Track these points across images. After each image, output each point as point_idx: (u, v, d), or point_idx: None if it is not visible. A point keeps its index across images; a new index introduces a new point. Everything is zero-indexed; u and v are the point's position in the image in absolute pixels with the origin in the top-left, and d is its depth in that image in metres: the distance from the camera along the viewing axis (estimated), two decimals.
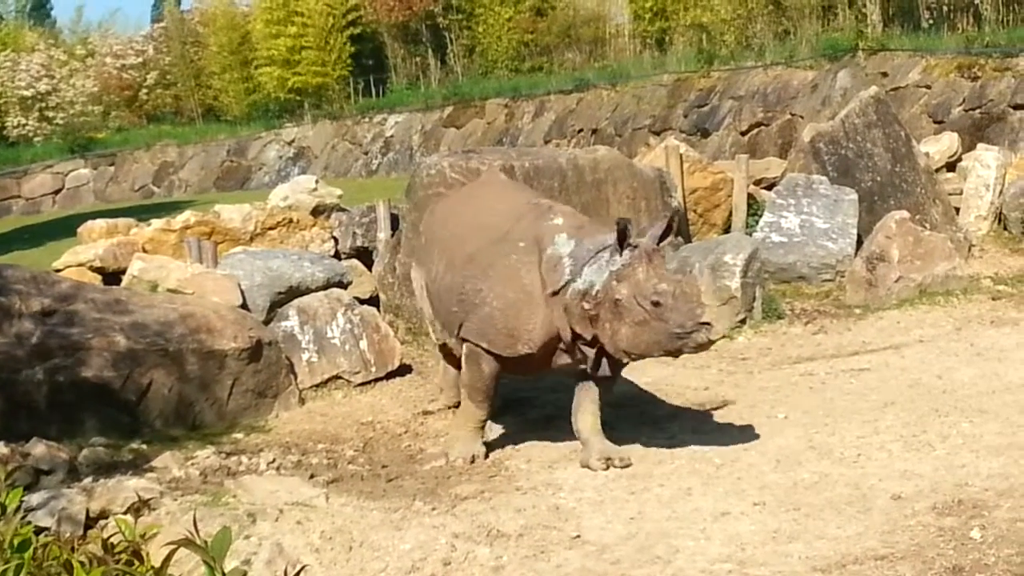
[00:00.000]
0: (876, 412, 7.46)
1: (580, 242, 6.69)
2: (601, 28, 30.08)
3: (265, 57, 32.84)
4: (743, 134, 22.60)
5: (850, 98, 15.78)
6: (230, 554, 3.19)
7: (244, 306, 8.92)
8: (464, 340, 7.01)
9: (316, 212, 11.47)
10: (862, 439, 6.90)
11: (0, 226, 26.45)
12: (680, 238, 10.61)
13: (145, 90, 37.36)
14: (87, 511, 5.82)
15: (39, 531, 4.73)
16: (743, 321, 9.30)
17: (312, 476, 6.85)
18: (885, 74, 20.55)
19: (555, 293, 6.63)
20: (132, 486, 6.10)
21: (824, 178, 11.90)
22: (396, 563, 5.39)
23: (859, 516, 5.70)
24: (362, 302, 9.76)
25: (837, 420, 7.33)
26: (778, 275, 11.23)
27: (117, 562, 3.19)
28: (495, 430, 7.51)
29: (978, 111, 18.22)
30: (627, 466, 6.69)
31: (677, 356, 6.81)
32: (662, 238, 6.62)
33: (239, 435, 7.94)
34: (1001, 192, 12.75)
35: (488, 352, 6.88)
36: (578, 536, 5.69)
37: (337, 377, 9.00)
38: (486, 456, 7.11)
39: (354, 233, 11.25)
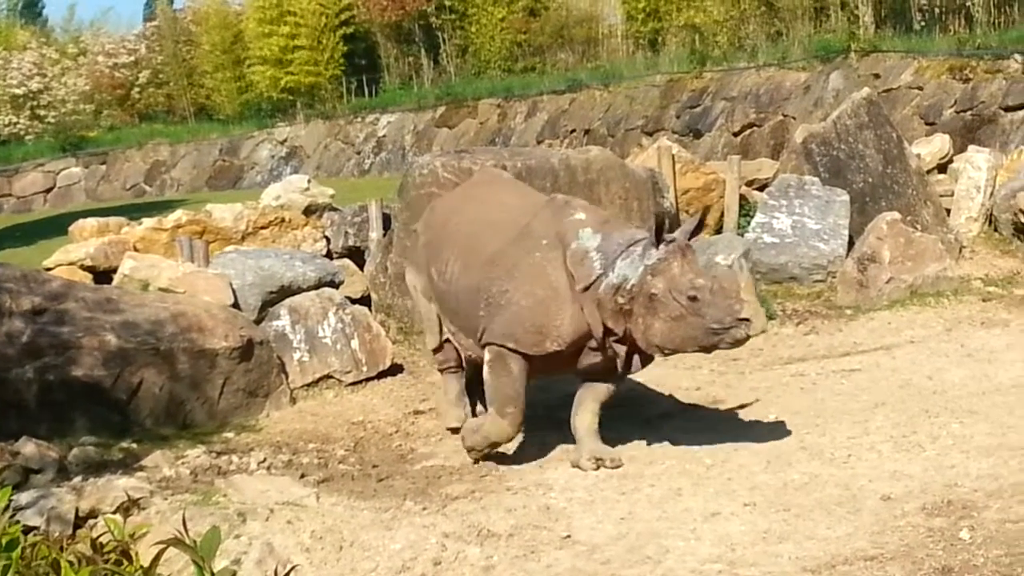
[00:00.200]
0: (866, 413, 7.47)
1: (608, 236, 6.58)
2: (594, 29, 30.12)
3: (258, 56, 32.82)
4: (735, 135, 22.64)
5: (842, 99, 15.80)
6: (220, 553, 3.18)
7: (235, 305, 8.90)
8: (488, 344, 6.80)
9: (308, 212, 11.44)
10: (852, 440, 6.91)
11: None
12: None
13: (137, 89, 37.30)
14: (76, 510, 5.81)
15: (28, 530, 4.71)
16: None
17: (303, 476, 6.84)
18: (877, 75, 20.60)
19: (586, 288, 6.52)
20: (122, 485, 6.09)
21: (816, 179, 11.90)
22: (386, 563, 5.39)
23: (849, 517, 5.71)
24: (354, 302, 9.74)
25: (828, 421, 7.34)
26: (769, 276, 11.23)
27: (106, 562, 3.17)
28: None
29: (969, 113, 18.27)
30: (618, 467, 6.67)
31: (710, 352, 6.77)
32: (693, 234, 6.62)
33: (230, 434, 7.93)
34: (992, 194, 12.76)
35: (515, 351, 6.69)
36: (568, 536, 5.69)
37: (328, 376, 8.97)
38: None
39: (346, 233, 11.23)
